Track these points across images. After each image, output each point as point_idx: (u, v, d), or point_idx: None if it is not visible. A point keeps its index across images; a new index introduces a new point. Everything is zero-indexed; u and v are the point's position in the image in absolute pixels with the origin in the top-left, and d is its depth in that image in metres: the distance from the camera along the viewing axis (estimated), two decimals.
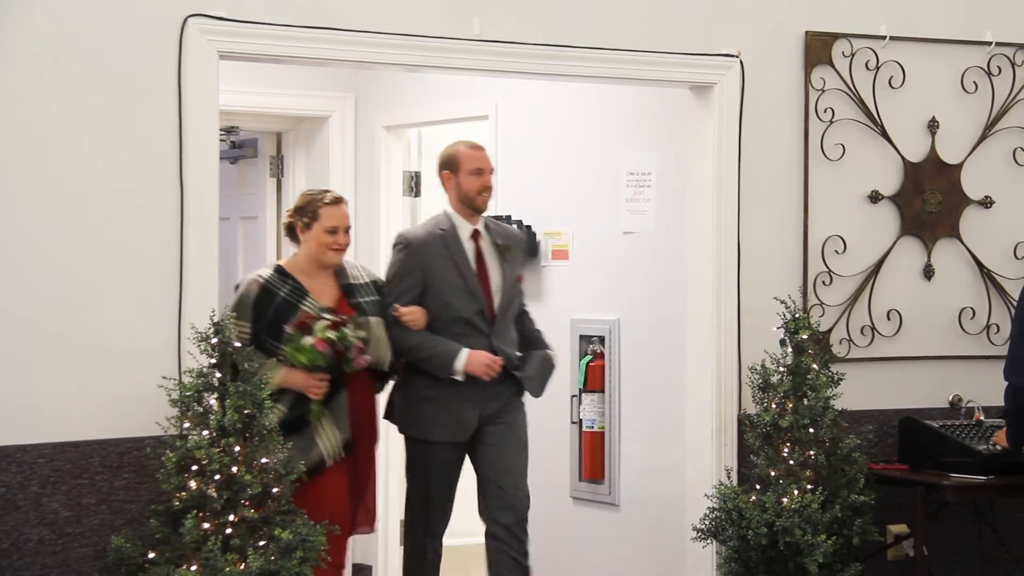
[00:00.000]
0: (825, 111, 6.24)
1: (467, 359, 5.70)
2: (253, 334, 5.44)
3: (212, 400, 4.98)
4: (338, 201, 5.69)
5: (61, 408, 5.06)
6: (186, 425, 4.98)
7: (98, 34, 5.12)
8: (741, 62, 6.10)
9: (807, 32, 6.21)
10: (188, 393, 4.98)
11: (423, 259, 5.78)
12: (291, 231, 5.73)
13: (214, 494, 4.93)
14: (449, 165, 5.92)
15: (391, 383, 5.95)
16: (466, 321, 5.75)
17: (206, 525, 4.90)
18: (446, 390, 5.76)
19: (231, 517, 4.92)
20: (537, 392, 5.93)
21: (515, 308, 5.90)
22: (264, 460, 4.98)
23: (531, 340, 5.96)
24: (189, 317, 5.15)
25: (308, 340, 5.44)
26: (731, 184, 6.09)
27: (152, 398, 5.05)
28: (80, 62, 5.10)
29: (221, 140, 8.23)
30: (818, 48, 6.23)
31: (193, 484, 4.93)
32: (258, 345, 5.42)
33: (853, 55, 6.28)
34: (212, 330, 5.00)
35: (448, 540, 7.84)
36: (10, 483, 4.98)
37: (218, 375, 4.98)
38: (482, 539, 7.34)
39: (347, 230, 5.68)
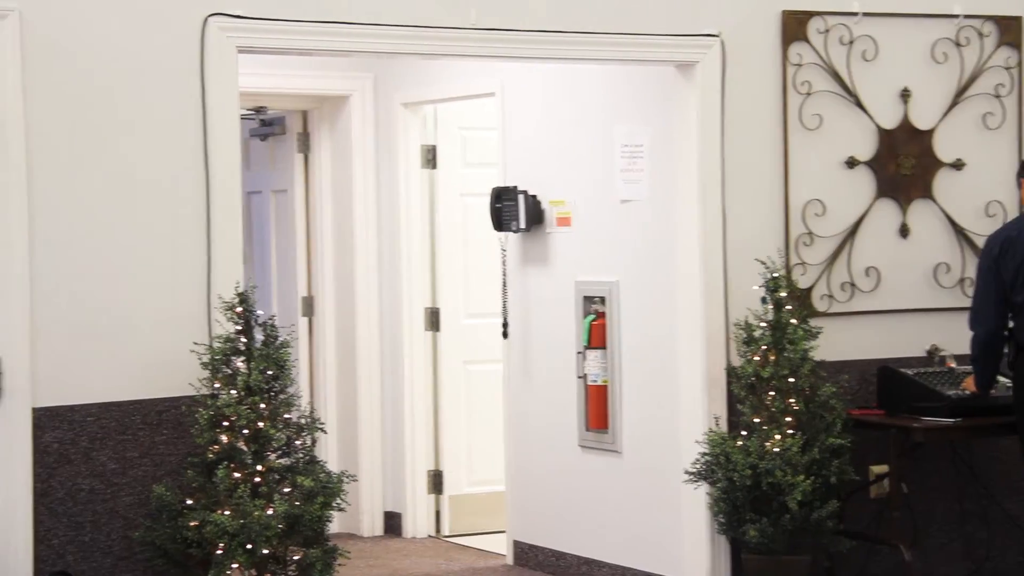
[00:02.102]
0: (802, 84, 6.70)
1: None
2: None
3: (239, 363, 5.54)
4: None
5: (105, 372, 5.61)
6: (216, 385, 5.53)
7: (129, 35, 5.65)
8: (722, 41, 6.56)
9: (784, 11, 6.66)
10: (217, 357, 5.54)
11: None
12: None
13: (243, 447, 5.48)
14: None
15: None
16: None
17: (237, 474, 5.43)
18: None
19: (259, 467, 5.47)
20: None
21: None
22: (287, 415, 5.54)
23: None
24: (216, 288, 5.70)
25: None
26: (715, 154, 6.57)
27: (186, 362, 5.61)
28: (114, 60, 5.63)
29: (251, 119, 8.81)
30: (794, 26, 6.69)
31: (224, 438, 5.47)
32: None
33: (828, 31, 6.74)
34: (237, 300, 5.56)
35: (469, 488, 8.44)
36: (63, 439, 5.55)
37: (243, 340, 5.54)
38: (502, 487, 7.93)
39: None
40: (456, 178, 8.43)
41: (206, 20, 5.76)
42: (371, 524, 8.47)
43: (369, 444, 8.43)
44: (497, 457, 8.01)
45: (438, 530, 8.43)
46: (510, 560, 7.73)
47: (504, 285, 7.68)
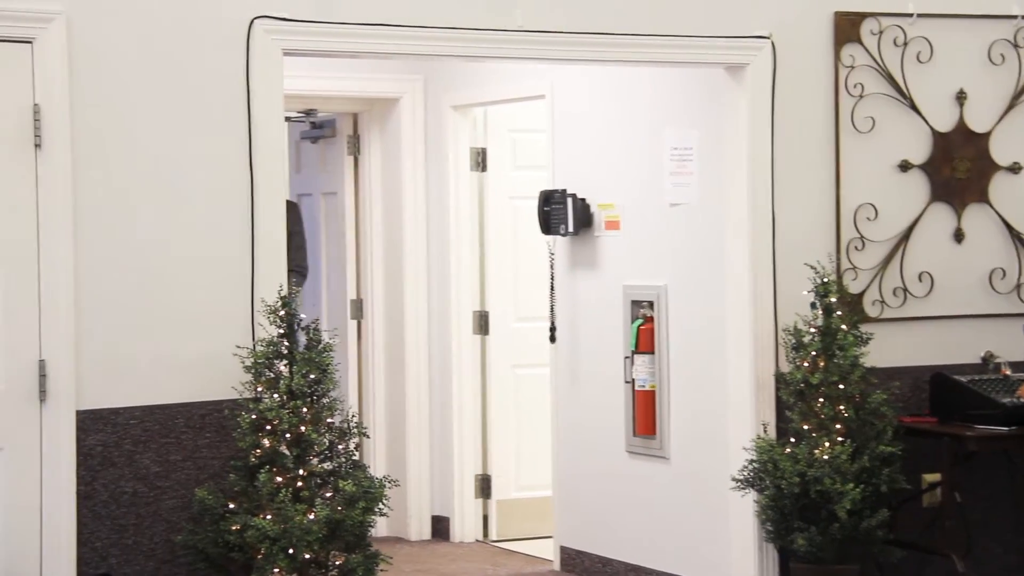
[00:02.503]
0: (855, 86, 6.61)
1: None
2: None
3: (282, 366, 5.52)
4: None
5: (148, 375, 5.60)
6: (259, 389, 5.51)
7: (174, 38, 5.64)
8: (772, 43, 6.49)
9: (836, 12, 6.58)
10: (260, 360, 5.52)
11: None
12: None
13: (285, 451, 5.46)
14: None
15: None
16: None
17: (279, 479, 5.41)
18: None
19: (300, 471, 5.45)
20: None
21: None
22: (329, 420, 5.51)
23: None
24: (260, 291, 5.68)
25: None
26: (765, 157, 6.50)
27: (229, 365, 5.59)
28: (159, 63, 5.62)
29: (301, 121, 8.81)
30: (847, 27, 6.60)
31: (266, 442, 5.45)
32: None
33: (881, 32, 6.64)
34: (280, 303, 5.54)
35: (517, 493, 8.41)
36: (107, 442, 5.54)
37: (286, 344, 5.52)
38: (548, 492, 7.88)
39: None
40: (506, 181, 8.39)
41: (252, 23, 5.74)
42: (419, 528, 8.45)
43: (417, 448, 8.41)
44: (545, 462, 7.97)
45: (486, 535, 8.39)
46: (557, 566, 7.68)
47: (552, 289, 7.63)
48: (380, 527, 8.39)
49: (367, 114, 8.57)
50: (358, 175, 8.66)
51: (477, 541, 8.35)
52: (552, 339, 7.65)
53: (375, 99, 8.46)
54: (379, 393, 8.52)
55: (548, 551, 7.85)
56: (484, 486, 8.38)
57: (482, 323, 8.37)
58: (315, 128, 8.86)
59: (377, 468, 8.34)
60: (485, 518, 8.40)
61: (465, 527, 8.36)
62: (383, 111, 8.50)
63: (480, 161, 8.36)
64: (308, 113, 8.75)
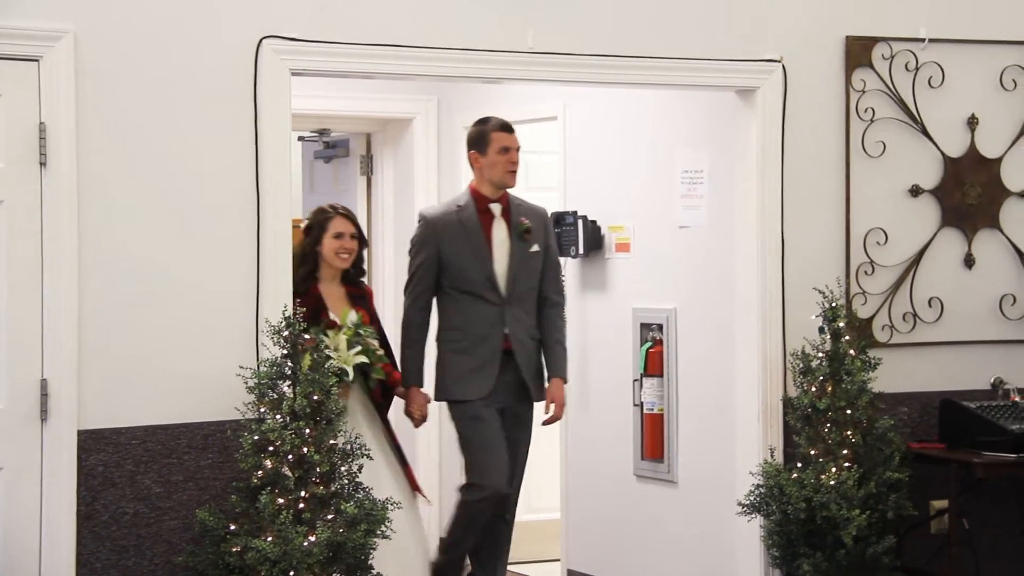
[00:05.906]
0: (866, 111, 6.58)
1: None
2: None
3: (285, 387, 5.50)
4: None
5: (151, 395, 5.59)
6: (262, 410, 5.49)
7: (182, 57, 5.64)
8: (783, 67, 6.46)
9: (847, 36, 6.56)
10: (263, 381, 5.50)
11: None
12: None
13: (287, 472, 5.43)
14: None
15: None
16: None
17: (280, 500, 5.39)
18: None
19: (302, 493, 5.42)
20: None
21: None
22: (332, 441, 5.49)
23: None
24: (265, 312, 5.67)
25: None
26: (774, 181, 6.47)
27: (232, 386, 5.57)
28: (167, 82, 5.62)
29: (315, 141, 8.81)
30: (858, 51, 6.57)
31: (268, 463, 5.43)
32: None
33: (893, 57, 6.62)
34: (283, 324, 5.52)
35: (527, 515, 8.35)
36: (108, 462, 5.54)
37: (289, 364, 5.50)
38: (556, 515, 7.84)
39: None
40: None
41: (260, 43, 5.74)
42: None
43: (426, 469, 8.37)
44: (556, 484, 7.93)
45: None
46: None
47: None
48: None
49: (380, 134, 8.56)
50: (371, 195, 8.65)
51: None
52: None
53: (388, 119, 8.46)
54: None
55: (556, 575, 7.81)
56: None
57: None
58: (328, 148, 8.86)
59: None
60: None
61: None
62: (396, 131, 8.50)
63: None
64: (322, 133, 8.75)
